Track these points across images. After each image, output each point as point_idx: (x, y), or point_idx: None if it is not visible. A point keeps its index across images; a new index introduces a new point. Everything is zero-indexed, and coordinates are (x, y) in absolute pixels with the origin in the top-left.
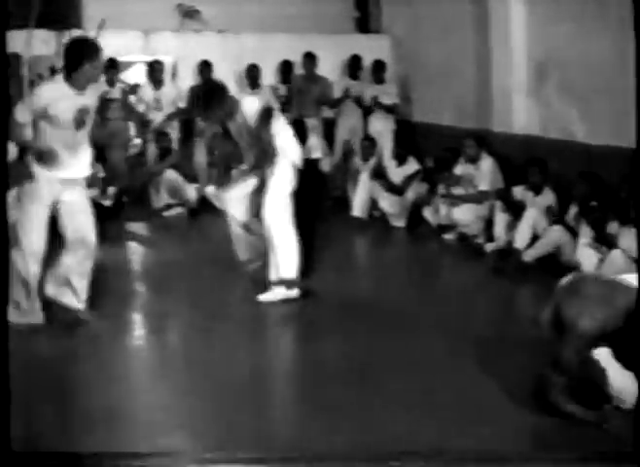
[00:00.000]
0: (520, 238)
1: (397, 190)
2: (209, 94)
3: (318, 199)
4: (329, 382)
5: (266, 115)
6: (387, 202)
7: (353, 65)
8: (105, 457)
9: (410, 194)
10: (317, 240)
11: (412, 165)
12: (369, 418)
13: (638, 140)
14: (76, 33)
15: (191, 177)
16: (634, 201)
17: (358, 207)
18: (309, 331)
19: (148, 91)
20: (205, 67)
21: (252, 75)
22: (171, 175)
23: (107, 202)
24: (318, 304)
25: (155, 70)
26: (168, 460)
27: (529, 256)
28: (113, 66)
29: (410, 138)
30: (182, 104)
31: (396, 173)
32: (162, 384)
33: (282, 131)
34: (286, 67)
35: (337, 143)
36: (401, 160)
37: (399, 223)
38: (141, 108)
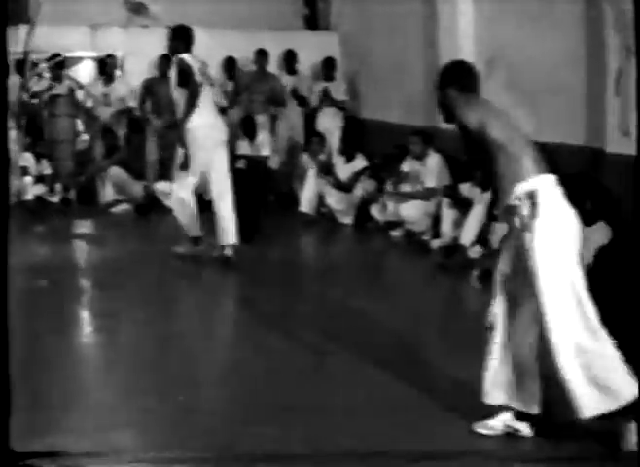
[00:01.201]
0: (467, 235)
1: (344, 187)
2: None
3: (264, 195)
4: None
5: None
6: (334, 199)
7: (289, 60)
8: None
9: (358, 190)
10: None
11: (360, 162)
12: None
13: (638, 140)
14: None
15: (137, 174)
16: (635, 203)
17: (305, 203)
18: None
19: (97, 87)
20: (165, 62)
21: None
22: (117, 172)
23: (54, 199)
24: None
25: (107, 65)
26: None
27: (475, 252)
28: (60, 62)
29: (359, 135)
30: (131, 100)
31: (344, 170)
32: (109, 382)
33: None
34: (230, 63)
35: (280, 140)
36: (349, 156)
37: (346, 219)
38: (89, 103)
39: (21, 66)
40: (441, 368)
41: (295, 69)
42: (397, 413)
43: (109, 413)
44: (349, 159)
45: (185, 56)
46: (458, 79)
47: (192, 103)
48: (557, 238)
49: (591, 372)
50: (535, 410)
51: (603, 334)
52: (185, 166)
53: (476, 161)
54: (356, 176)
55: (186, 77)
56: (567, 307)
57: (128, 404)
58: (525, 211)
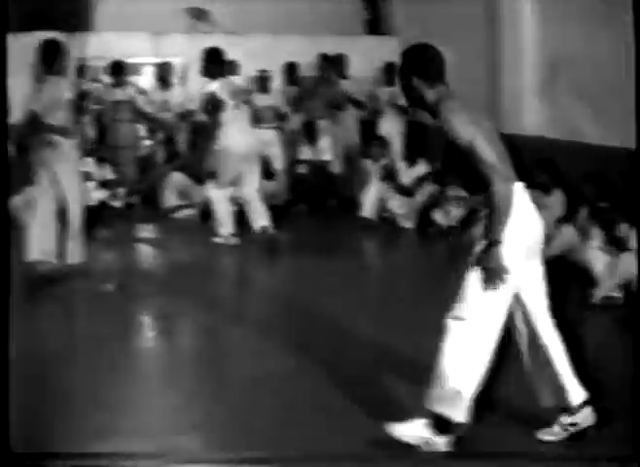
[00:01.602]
0: None
1: (407, 191)
2: None
3: (325, 200)
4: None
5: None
6: (397, 204)
7: (340, 64)
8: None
9: (420, 195)
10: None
11: (423, 167)
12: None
13: (638, 140)
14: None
15: (199, 179)
16: (635, 201)
17: (367, 208)
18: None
19: (157, 93)
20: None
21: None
22: (178, 177)
23: (118, 204)
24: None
25: (163, 72)
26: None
27: None
28: (122, 68)
29: (421, 140)
30: (192, 106)
31: (406, 175)
32: (173, 385)
33: None
34: (291, 69)
35: (337, 144)
36: (411, 161)
37: (407, 224)
38: (150, 110)
39: (82, 72)
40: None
41: (346, 73)
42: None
43: (172, 415)
44: (412, 164)
45: (216, 88)
46: (423, 66)
47: (213, 135)
48: (524, 240)
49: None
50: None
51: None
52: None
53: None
54: (419, 181)
55: (214, 110)
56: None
57: (190, 406)
58: None
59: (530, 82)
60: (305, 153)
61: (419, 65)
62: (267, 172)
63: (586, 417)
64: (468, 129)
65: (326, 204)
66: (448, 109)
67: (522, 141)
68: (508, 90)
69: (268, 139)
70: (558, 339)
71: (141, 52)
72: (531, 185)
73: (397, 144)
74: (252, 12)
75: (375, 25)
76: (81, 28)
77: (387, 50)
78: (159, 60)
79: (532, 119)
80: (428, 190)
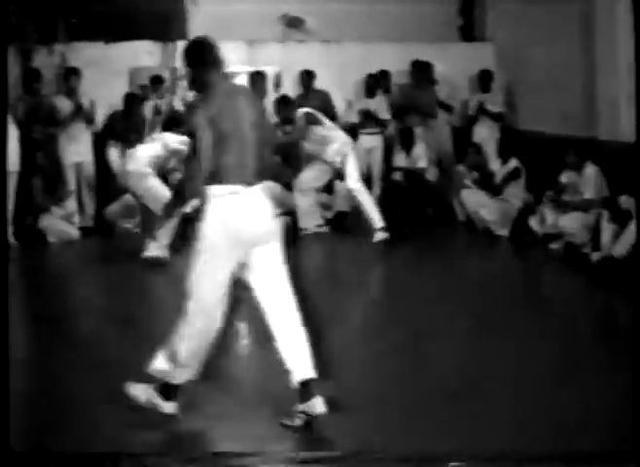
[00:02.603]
0: (621, 247)
1: (496, 189)
2: None
3: (421, 208)
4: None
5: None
6: (488, 210)
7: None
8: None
9: (514, 201)
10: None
11: (512, 163)
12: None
13: (638, 136)
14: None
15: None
16: (635, 200)
17: (461, 215)
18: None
19: None
20: (307, 77)
21: (368, 84)
22: (270, 185)
23: None
24: None
25: (256, 81)
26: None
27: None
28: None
29: (516, 146)
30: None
31: (497, 173)
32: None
33: None
34: (384, 77)
35: (433, 152)
36: (503, 161)
37: (502, 231)
38: None
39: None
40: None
41: (434, 80)
42: None
43: (262, 421)
44: (503, 163)
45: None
46: (204, 58)
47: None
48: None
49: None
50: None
51: None
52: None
53: None
54: (508, 176)
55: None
56: None
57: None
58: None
59: (627, 87)
60: (401, 160)
61: (201, 57)
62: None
63: (314, 406)
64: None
65: (422, 212)
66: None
67: (619, 148)
68: (603, 97)
69: (373, 145)
70: (292, 320)
71: (235, 60)
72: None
73: (491, 150)
74: (346, 20)
75: (469, 32)
76: (175, 37)
77: (481, 56)
78: (253, 69)
79: (629, 125)
80: (517, 192)
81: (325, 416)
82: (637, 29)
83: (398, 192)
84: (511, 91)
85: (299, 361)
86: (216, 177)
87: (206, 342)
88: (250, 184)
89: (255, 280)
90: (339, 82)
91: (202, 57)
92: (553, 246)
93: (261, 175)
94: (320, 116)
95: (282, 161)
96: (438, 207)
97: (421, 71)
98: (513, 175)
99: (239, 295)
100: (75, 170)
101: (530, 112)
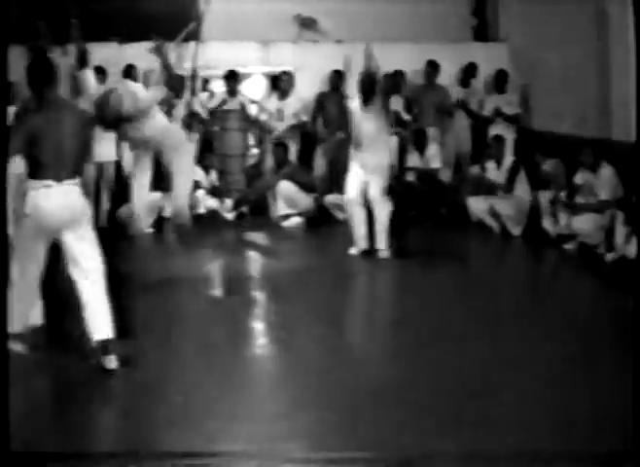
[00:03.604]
0: (634, 248)
1: (505, 188)
2: None
3: (434, 208)
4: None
5: None
6: (505, 204)
7: (468, 73)
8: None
9: (524, 195)
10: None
11: (508, 160)
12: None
13: (638, 135)
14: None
15: (307, 187)
16: (635, 199)
17: (475, 215)
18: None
19: (272, 102)
20: (337, 77)
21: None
22: (287, 186)
23: (229, 216)
24: None
25: (282, 81)
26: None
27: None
28: (234, 77)
29: (531, 147)
30: (303, 115)
31: (496, 175)
32: (283, 393)
33: None
34: (400, 76)
35: (448, 152)
36: (498, 162)
37: (516, 231)
38: (263, 118)
39: (193, 82)
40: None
41: (470, 82)
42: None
43: (279, 422)
44: (499, 164)
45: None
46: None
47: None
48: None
49: None
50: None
51: None
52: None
53: None
54: (511, 173)
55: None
56: None
57: (298, 414)
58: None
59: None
60: (414, 160)
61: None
62: None
63: (109, 362)
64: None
65: (435, 212)
66: None
67: (632, 149)
68: (617, 97)
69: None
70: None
71: (249, 61)
72: None
73: (508, 151)
74: (360, 20)
75: (483, 32)
76: (189, 38)
77: (496, 56)
78: (268, 69)
79: None
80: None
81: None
82: (637, 29)
83: (411, 192)
84: (526, 92)
85: (99, 324)
86: (34, 173)
87: (29, 304)
88: (61, 180)
89: (67, 256)
90: (353, 82)
91: (41, 75)
92: (567, 247)
93: (74, 173)
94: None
95: (300, 163)
96: (452, 208)
97: (435, 71)
98: (514, 171)
99: (253, 297)
100: (96, 171)
101: (545, 112)
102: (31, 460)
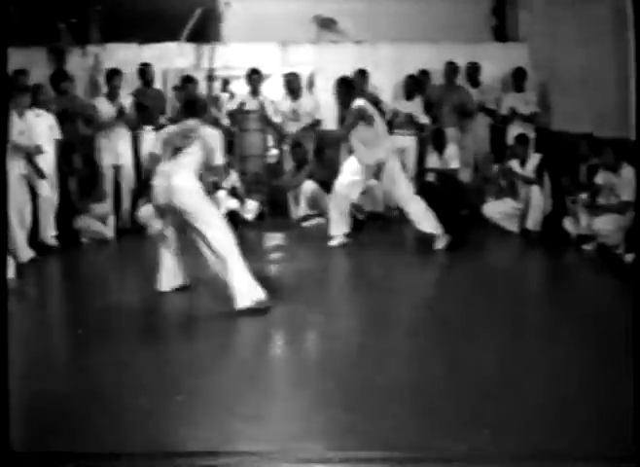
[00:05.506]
0: None
1: (536, 181)
2: None
3: (454, 208)
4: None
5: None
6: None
7: (473, 72)
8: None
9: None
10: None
11: (535, 157)
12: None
13: (638, 134)
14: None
15: (326, 187)
16: (636, 198)
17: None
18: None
19: (285, 103)
20: (361, 77)
21: (408, 85)
22: (311, 186)
23: (249, 216)
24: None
25: (290, 82)
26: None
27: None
28: (257, 76)
29: (550, 147)
30: (318, 115)
31: (525, 171)
32: (300, 393)
33: None
34: (424, 75)
35: (468, 152)
36: (522, 160)
37: (537, 227)
38: (278, 119)
39: (212, 82)
40: None
41: (478, 81)
42: None
43: (297, 422)
44: (523, 162)
45: (363, 103)
46: None
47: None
48: None
49: None
50: None
51: None
52: None
53: None
54: (538, 169)
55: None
56: None
57: (314, 414)
58: None
59: None
60: (433, 161)
61: None
62: None
63: None
64: None
65: (456, 213)
66: None
67: None
68: (636, 96)
69: (406, 146)
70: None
71: (269, 61)
72: None
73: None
74: (379, 20)
75: (503, 32)
76: (209, 39)
77: (515, 56)
78: (286, 70)
79: None
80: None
81: None
82: (637, 29)
83: (431, 192)
84: (544, 92)
85: None
86: None
87: None
88: None
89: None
90: (373, 82)
91: None
92: (586, 247)
93: None
94: (373, 113)
95: (318, 160)
96: (472, 208)
97: (455, 71)
98: (542, 167)
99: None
100: (114, 173)
101: (564, 112)
102: (31, 460)
